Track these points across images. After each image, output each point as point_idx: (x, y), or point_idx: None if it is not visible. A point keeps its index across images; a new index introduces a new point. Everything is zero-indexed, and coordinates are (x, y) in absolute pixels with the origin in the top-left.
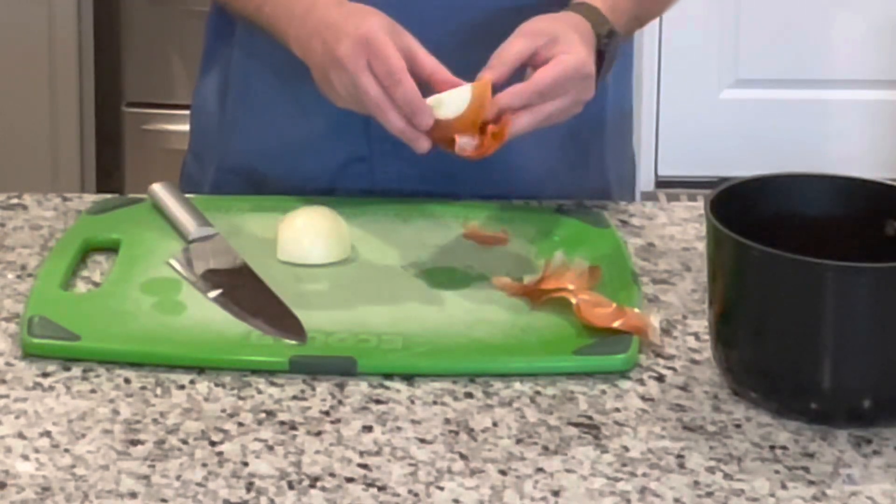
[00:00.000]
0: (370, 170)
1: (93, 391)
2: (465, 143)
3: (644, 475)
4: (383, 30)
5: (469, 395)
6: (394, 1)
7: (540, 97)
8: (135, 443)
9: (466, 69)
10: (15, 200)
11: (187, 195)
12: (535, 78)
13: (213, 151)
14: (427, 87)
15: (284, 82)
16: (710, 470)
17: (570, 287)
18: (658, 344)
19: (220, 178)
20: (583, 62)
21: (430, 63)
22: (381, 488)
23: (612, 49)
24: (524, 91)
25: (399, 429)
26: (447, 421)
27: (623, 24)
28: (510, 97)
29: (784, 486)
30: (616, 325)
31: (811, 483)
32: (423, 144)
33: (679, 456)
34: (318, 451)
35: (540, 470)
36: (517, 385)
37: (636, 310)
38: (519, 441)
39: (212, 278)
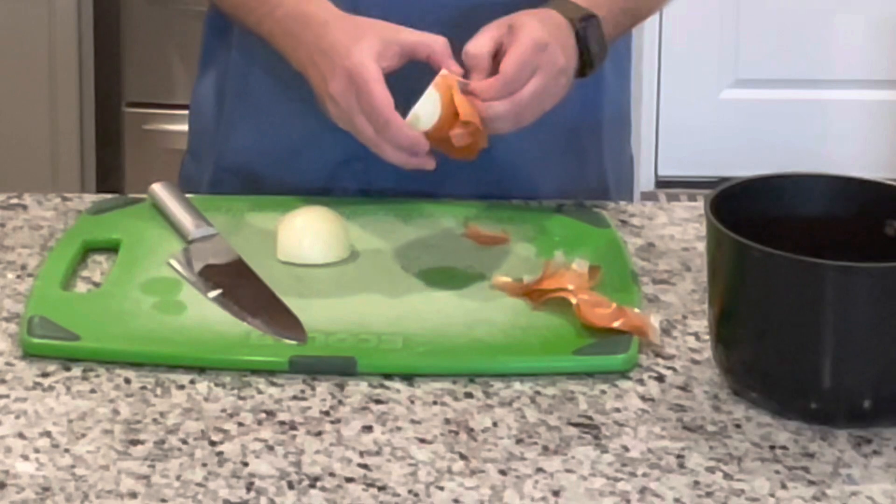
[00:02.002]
0: (366, 168)
1: (93, 391)
2: (459, 135)
3: (644, 475)
4: (371, 55)
5: (469, 395)
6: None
7: (511, 85)
8: (135, 443)
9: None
10: (15, 200)
11: (187, 195)
12: (501, 69)
13: (210, 150)
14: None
15: (281, 81)
16: (710, 470)
17: (570, 287)
18: (658, 344)
19: (217, 176)
20: (535, 37)
21: (425, 51)
22: (381, 488)
23: (593, 32)
24: (493, 85)
25: (399, 429)
26: (447, 421)
27: (606, 13)
28: (482, 92)
29: (784, 486)
30: (616, 325)
31: (811, 483)
32: (428, 164)
33: (679, 456)
34: (318, 451)
35: (540, 470)
36: (517, 385)
37: (636, 310)
38: (519, 441)
39: (212, 278)
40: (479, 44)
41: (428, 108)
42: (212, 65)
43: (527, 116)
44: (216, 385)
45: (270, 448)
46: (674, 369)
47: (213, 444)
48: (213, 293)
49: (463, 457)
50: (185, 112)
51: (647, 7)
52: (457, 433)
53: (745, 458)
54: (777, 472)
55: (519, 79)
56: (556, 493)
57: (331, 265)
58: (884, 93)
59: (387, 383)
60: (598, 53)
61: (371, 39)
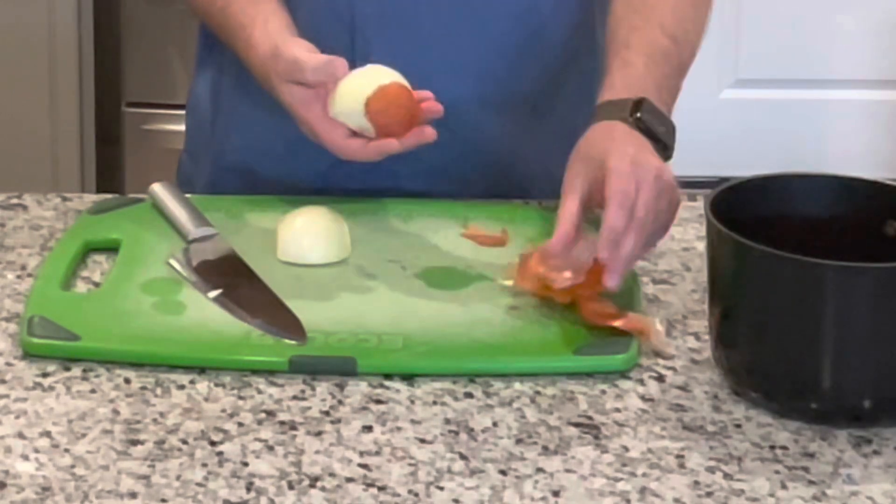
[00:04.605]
0: (361, 167)
1: (93, 391)
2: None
3: (644, 475)
4: (299, 97)
5: (469, 395)
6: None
7: (626, 202)
8: (135, 443)
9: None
10: (15, 200)
11: (187, 195)
12: (607, 194)
13: (207, 149)
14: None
15: None
16: (710, 470)
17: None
18: (664, 348)
19: (215, 175)
20: (620, 156)
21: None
22: (381, 488)
23: (650, 115)
24: (614, 211)
25: (399, 429)
26: (447, 421)
27: (652, 88)
28: (613, 226)
29: (784, 486)
30: (617, 325)
31: (811, 483)
32: (427, 136)
33: (679, 456)
34: (318, 451)
35: (540, 470)
36: (517, 385)
37: (640, 315)
38: (519, 441)
39: (212, 278)
40: (570, 212)
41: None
42: (208, 64)
43: (653, 236)
44: (216, 385)
45: (270, 448)
46: (674, 369)
47: (213, 444)
48: (213, 293)
49: (463, 457)
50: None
51: (690, 55)
52: (457, 433)
53: (745, 458)
54: (777, 472)
55: (630, 193)
56: (556, 493)
57: (331, 265)
58: (884, 93)
59: (387, 383)
60: (665, 132)
61: (290, 86)
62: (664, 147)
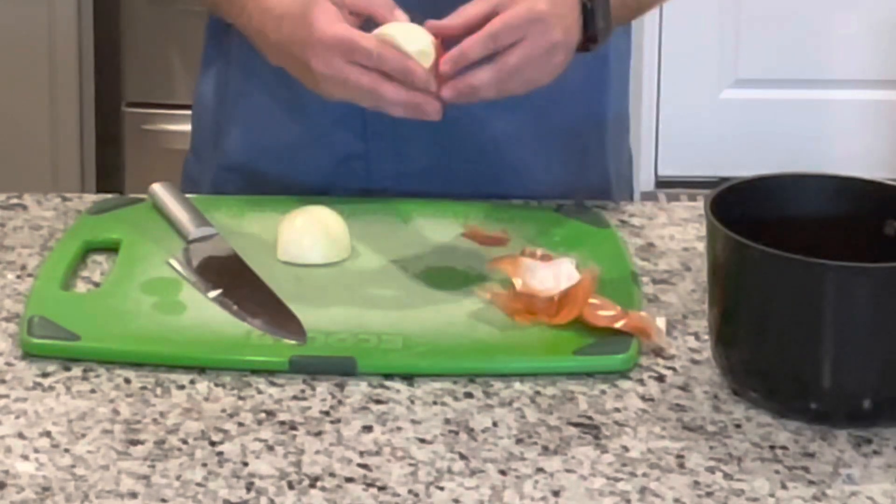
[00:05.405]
0: (367, 168)
1: (93, 391)
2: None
3: (644, 475)
4: (330, 19)
5: (469, 395)
6: None
7: (493, 40)
8: (135, 443)
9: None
10: (15, 200)
11: (188, 195)
12: (486, 25)
13: (212, 150)
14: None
15: (281, 80)
16: (710, 470)
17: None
18: (665, 347)
19: (219, 176)
20: (531, 6)
21: (366, 8)
22: (381, 488)
23: (601, 7)
24: (477, 38)
25: (399, 429)
26: (447, 421)
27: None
28: (465, 48)
29: (784, 486)
30: (618, 325)
31: (811, 483)
32: (433, 107)
33: (679, 456)
34: (318, 451)
35: (540, 470)
36: (517, 385)
37: (642, 313)
38: (519, 441)
39: (212, 278)
40: (470, 9)
41: (409, 35)
42: (213, 63)
43: (511, 86)
44: (216, 385)
45: (270, 448)
46: (674, 369)
47: (213, 444)
48: (213, 293)
49: (463, 457)
50: (186, 112)
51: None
52: (457, 433)
53: (745, 458)
54: (777, 472)
55: (503, 39)
56: (556, 493)
57: (331, 265)
58: (884, 93)
59: (387, 383)
60: (603, 29)
61: (324, 13)
62: (594, 40)
